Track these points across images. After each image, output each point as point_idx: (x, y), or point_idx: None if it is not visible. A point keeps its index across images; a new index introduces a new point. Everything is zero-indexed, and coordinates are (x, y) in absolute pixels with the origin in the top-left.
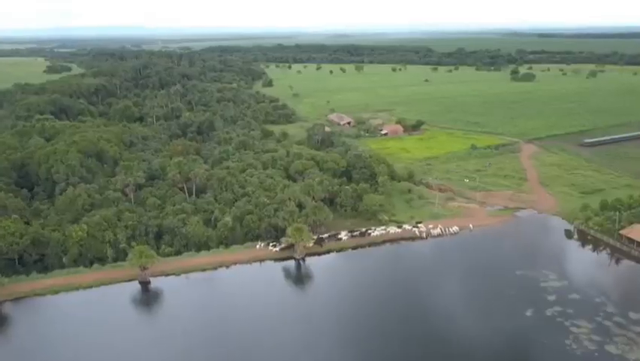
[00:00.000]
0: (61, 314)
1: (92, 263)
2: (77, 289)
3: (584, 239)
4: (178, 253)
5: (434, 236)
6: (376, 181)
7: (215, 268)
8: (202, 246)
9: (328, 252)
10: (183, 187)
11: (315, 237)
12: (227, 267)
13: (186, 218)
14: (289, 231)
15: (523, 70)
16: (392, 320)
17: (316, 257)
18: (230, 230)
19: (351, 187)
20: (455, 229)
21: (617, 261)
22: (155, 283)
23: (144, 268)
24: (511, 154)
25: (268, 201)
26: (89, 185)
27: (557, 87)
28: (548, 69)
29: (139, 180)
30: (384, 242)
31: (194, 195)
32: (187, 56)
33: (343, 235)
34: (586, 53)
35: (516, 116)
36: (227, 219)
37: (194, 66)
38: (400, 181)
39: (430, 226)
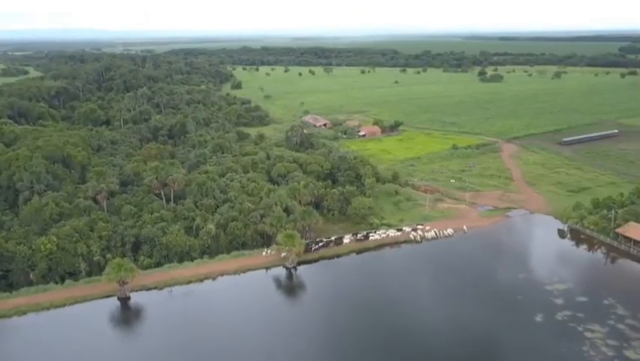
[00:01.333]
0: (29, 338)
1: (63, 279)
2: (48, 308)
3: (579, 239)
4: (158, 264)
5: (429, 239)
6: (362, 183)
7: (200, 281)
8: (184, 256)
9: (320, 259)
10: (160, 193)
11: (319, 240)
12: (214, 279)
13: (166, 226)
14: (280, 238)
15: (489, 71)
16: (394, 333)
17: (307, 265)
18: (214, 238)
19: (337, 190)
20: (450, 231)
21: (617, 260)
22: (136, 298)
23: (123, 283)
24: (493, 154)
25: (253, 207)
26: (57, 193)
27: (526, 88)
28: (513, 70)
29: (112, 186)
30: (377, 247)
31: (172, 202)
32: (151, 59)
33: (347, 238)
34: (547, 55)
35: (491, 116)
36: (211, 226)
37: (159, 69)
38: (384, 183)
39: (427, 228)
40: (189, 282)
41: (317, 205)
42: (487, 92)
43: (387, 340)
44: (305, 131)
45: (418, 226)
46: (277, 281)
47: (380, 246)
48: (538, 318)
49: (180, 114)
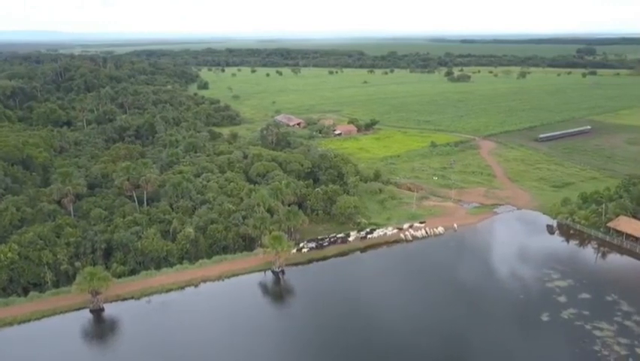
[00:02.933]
0: None
1: (27, 291)
2: (10, 324)
3: (570, 234)
4: (133, 271)
5: (419, 238)
6: (344, 182)
7: (181, 288)
8: (161, 262)
9: (309, 261)
10: (132, 195)
11: (324, 238)
12: (196, 286)
13: (140, 230)
14: (266, 240)
15: (455, 71)
16: (392, 343)
17: (295, 268)
18: (193, 242)
19: (321, 189)
20: (441, 229)
21: (612, 255)
22: (110, 310)
23: (96, 293)
24: (472, 151)
25: (234, 208)
26: (17, 197)
27: (494, 87)
28: (479, 71)
29: (79, 188)
30: (366, 248)
31: (145, 204)
32: (112, 59)
33: (353, 235)
34: (509, 56)
35: (464, 114)
36: (189, 230)
37: (121, 69)
38: (367, 181)
39: (424, 225)
40: (169, 290)
41: (299, 205)
42: (457, 92)
43: (384, 350)
44: (280, 129)
45: (421, 223)
46: (264, 287)
47: (369, 246)
48: (545, 317)
49: (148, 114)
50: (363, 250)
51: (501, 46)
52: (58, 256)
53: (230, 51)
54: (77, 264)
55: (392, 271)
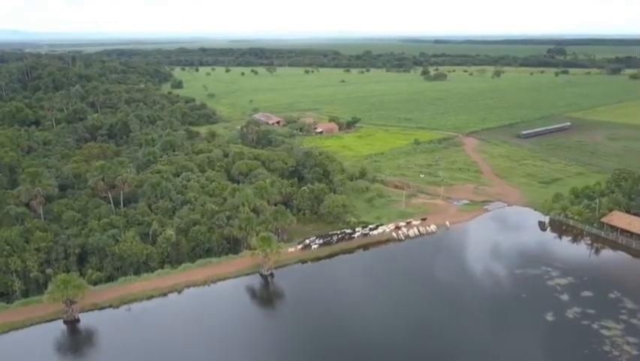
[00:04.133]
0: None
1: None
2: None
3: (564, 230)
4: (110, 278)
5: (412, 237)
6: (330, 181)
7: (164, 294)
8: (141, 267)
9: (300, 262)
10: (107, 196)
11: (333, 233)
12: (180, 292)
13: (118, 234)
14: (254, 242)
15: (431, 70)
16: (393, 348)
17: (284, 269)
18: (175, 245)
19: (307, 188)
20: (433, 227)
21: (608, 251)
22: (87, 320)
23: (71, 303)
24: (456, 148)
25: (217, 208)
26: None
27: (470, 85)
28: (454, 70)
29: (50, 190)
30: (358, 247)
31: (122, 206)
32: (81, 58)
33: (358, 232)
34: (482, 56)
35: (444, 111)
36: (170, 232)
37: (91, 68)
38: (353, 180)
39: (420, 223)
40: (150, 297)
41: (285, 205)
42: (435, 90)
43: (383, 358)
44: (261, 127)
45: (423, 220)
46: (252, 291)
47: (361, 247)
48: (549, 317)
49: (121, 112)
50: (354, 250)
51: (473, 46)
52: (27, 263)
53: (204, 50)
54: (49, 271)
55: (387, 273)
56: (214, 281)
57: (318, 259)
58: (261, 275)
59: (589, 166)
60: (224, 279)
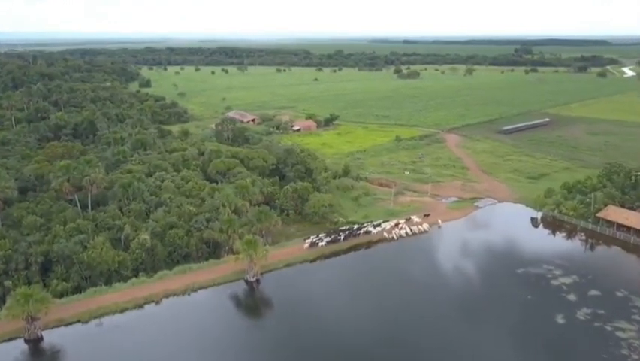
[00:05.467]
0: None
1: None
2: None
3: (559, 226)
4: (78, 289)
5: (404, 237)
6: (314, 179)
7: (139, 306)
8: (112, 276)
9: (287, 266)
10: (74, 199)
11: (342, 230)
12: (157, 302)
13: (86, 239)
14: (238, 245)
15: (404, 69)
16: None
17: (270, 274)
18: (150, 251)
19: (291, 187)
20: (425, 226)
21: (607, 247)
22: (51, 338)
23: (32, 319)
24: (438, 144)
25: (195, 210)
26: None
27: (444, 83)
28: (425, 69)
29: (8, 192)
30: (349, 249)
31: (90, 209)
32: (43, 57)
33: (370, 227)
34: (452, 55)
35: (421, 108)
36: (145, 236)
37: (54, 66)
38: (337, 177)
39: (417, 221)
40: (124, 309)
41: (267, 205)
42: (410, 88)
43: None
44: (236, 125)
45: (426, 216)
46: (237, 300)
47: (352, 248)
48: (560, 319)
49: (87, 111)
50: (346, 251)
51: (442, 46)
52: None
53: (172, 50)
54: (7, 283)
55: (381, 275)
56: (194, 290)
57: (304, 261)
58: (246, 282)
59: (574, 161)
60: (205, 287)
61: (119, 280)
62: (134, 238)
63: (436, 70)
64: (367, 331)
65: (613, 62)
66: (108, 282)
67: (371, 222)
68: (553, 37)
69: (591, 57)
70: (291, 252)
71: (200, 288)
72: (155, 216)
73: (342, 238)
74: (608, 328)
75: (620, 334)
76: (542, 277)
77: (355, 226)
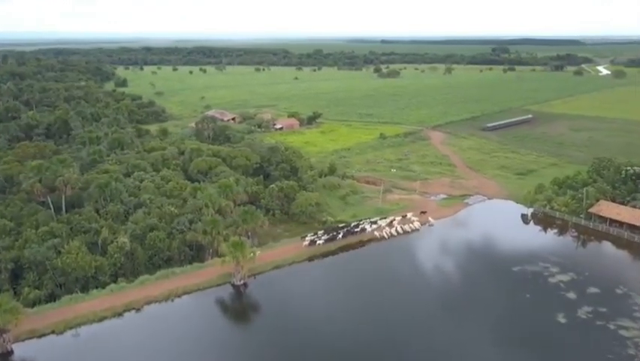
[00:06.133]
0: None
1: None
2: None
3: (551, 222)
4: (52, 297)
5: (395, 235)
6: (299, 178)
7: (119, 314)
8: (89, 282)
9: (276, 268)
10: (46, 201)
11: (340, 227)
12: (138, 310)
13: (60, 244)
14: (224, 248)
15: (383, 68)
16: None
17: (258, 277)
18: (129, 255)
19: (276, 186)
20: (417, 224)
21: (601, 243)
22: (22, 351)
23: (2, 331)
24: (423, 141)
25: (177, 211)
26: None
27: (424, 82)
28: (405, 68)
29: None
30: (339, 250)
31: (64, 211)
32: (15, 56)
33: (367, 225)
34: (430, 54)
35: (403, 106)
36: (123, 240)
37: (25, 66)
38: (321, 176)
39: (413, 218)
40: (102, 318)
41: (252, 205)
42: (390, 86)
43: None
44: (217, 123)
45: (422, 213)
46: (223, 305)
47: (341, 248)
48: (561, 319)
49: (60, 110)
50: (336, 252)
51: (420, 46)
52: None
53: (148, 50)
54: None
55: (377, 276)
56: (178, 295)
57: (293, 263)
58: (233, 286)
59: (560, 157)
60: (189, 292)
61: (97, 287)
62: (112, 242)
63: (416, 69)
64: (364, 336)
65: (587, 60)
66: (84, 289)
67: (368, 219)
68: (528, 37)
69: (566, 56)
70: (281, 253)
71: (184, 293)
72: (134, 218)
73: (340, 235)
74: (611, 326)
75: (623, 333)
76: (539, 274)
77: (353, 223)
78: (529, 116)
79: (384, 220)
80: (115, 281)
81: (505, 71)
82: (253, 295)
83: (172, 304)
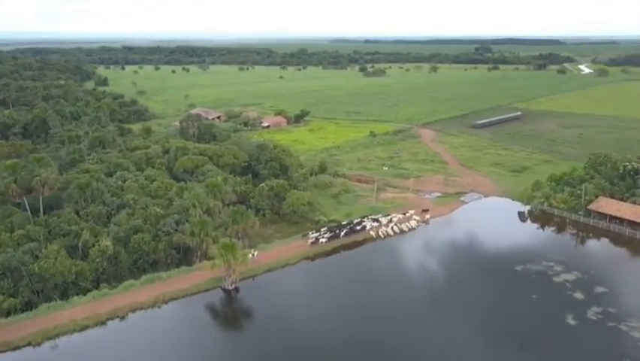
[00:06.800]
0: None
1: None
2: None
3: (550, 220)
4: (29, 305)
5: (391, 235)
6: (289, 176)
7: (102, 323)
8: (69, 289)
9: (276, 269)
10: (22, 202)
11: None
12: (122, 318)
13: (38, 248)
14: (214, 250)
15: (368, 67)
16: None
17: (251, 281)
18: (112, 259)
19: (266, 185)
20: (413, 223)
21: (602, 240)
22: None
23: None
24: (413, 139)
25: (163, 212)
26: None
27: (410, 80)
28: (389, 67)
29: None
30: (334, 250)
31: (42, 213)
32: None
33: (368, 223)
34: (414, 54)
35: (391, 105)
36: (106, 243)
37: (2, 64)
38: (312, 175)
39: (412, 215)
40: (84, 328)
41: (240, 205)
42: (376, 85)
43: None
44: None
45: (424, 212)
46: (214, 311)
47: (335, 250)
48: (571, 320)
49: (38, 109)
50: (331, 253)
51: (404, 45)
52: None
53: (129, 49)
54: None
55: (376, 277)
56: (165, 301)
57: (286, 265)
58: (224, 290)
59: (553, 153)
60: (177, 298)
61: (77, 294)
62: (93, 245)
63: (400, 68)
64: (368, 346)
65: (569, 60)
66: (64, 296)
67: (369, 216)
68: (510, 37)
69: (548, 55)
70: (276, 254)
71: (172, 299)
72: (117, 220)
73: (342, 233)
74: (623, 328)
75: (636, 334)
76: (543, 274)
77: (355, 221)
78: (518, 113)
79: (385, 218)
80: (97, 287)
81: (489, 69)
82: (246, 300)
83: (159, 311)
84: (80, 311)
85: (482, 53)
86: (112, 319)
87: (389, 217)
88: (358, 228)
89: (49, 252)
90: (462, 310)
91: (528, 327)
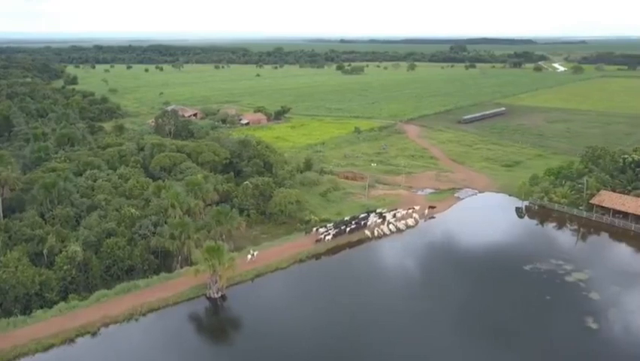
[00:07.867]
0: None
1: None
2: None
3: (551, 215)
4: None
5: (388, 234)
6: (274, 174)
7: (70, 340)
8: (32, 301)
9: (256, 276)
10: None
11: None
12: (94, 333)
13: None
14: (199, 254)
15: (346, 65)
16: None
17: (238, 288)
18: (82, 266)
19: (251, 183)
20: (411, 221)
21: (609, 236)
22: None
23: None
24: (399, 135)
25: (138, 213)
26: None
27: (389, 78)
28: (367, 65)
29: None
30: (328, 251)
31: (1, 216)
32: None
33: (370, 220)
34: (391, 53)
35: (373, 101)
36: (75, 248)
37: None
38: (298, 172)
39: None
40: (49, 346)
41: (223, 204)
42: (356, 82)
43: None
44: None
45: (431, 208)
46: (198, 322)
47: (330, 250)
48: (592, 324)
49: (0, 106)
50: (324, 253)
51: (379, 45)
52: None
53: (100, 48)
54: None
55: (376, 277)
56: (143, 313)
57: (276, 269)
58: (209, 299)
59: (543, 148)
60: (157, 309)
61: (42, 307)
62: (60, 251)
63: (378, 66)
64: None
65: (543, 58)
66: (26, 310)
67: (373, 211)
68: (484, 37)
69: (523, 54)
70: (272, 255)
71: (150, 311)
72: (87, 223)
73: (348, 230)
74: None
75: None
76: (554, 273)
77: (361, 216)
78: (503, 108)
79: (391, 212)
80: (65, 299)
81: (467, 67)
82: (233, 309)
83: (135, 324)
84: (44, 327)
85: (458, 52)
86: (82, 335)
87: (393, 212)
88: (362, 223)
89: (9, 260)
90: (474, 314)
91: (546, 332)
